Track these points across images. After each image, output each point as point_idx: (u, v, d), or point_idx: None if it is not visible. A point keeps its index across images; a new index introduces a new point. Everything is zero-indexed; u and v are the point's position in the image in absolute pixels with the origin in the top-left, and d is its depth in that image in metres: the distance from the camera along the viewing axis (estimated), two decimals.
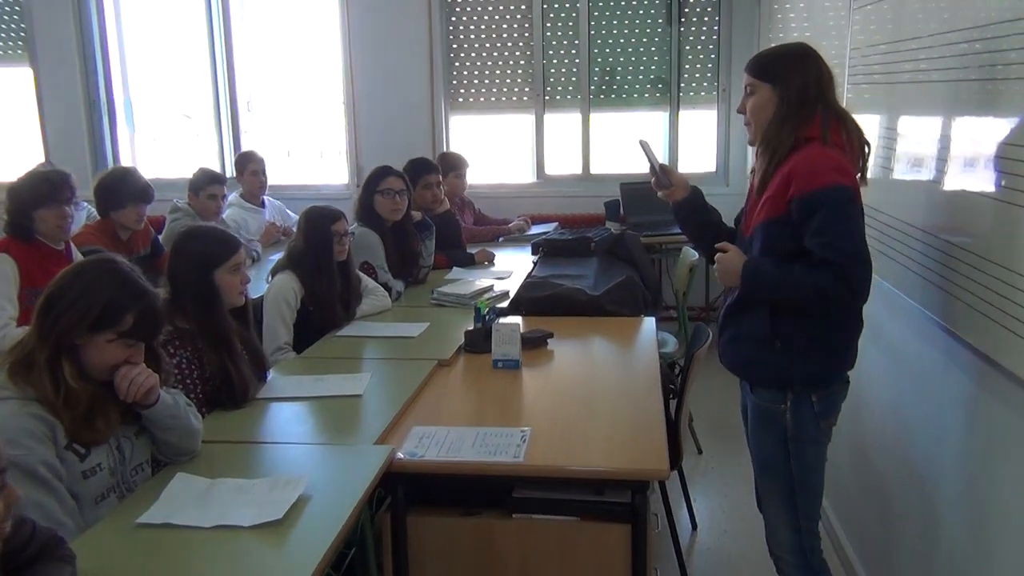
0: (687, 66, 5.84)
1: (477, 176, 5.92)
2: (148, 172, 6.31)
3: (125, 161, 6.40)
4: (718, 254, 2.24)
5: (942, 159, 2.20)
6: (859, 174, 2.08)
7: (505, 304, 3.59)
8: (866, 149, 2.12)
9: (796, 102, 2.08)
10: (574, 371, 2.81)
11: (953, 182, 2.14)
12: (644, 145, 2.51)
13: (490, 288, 3.73)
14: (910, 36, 2.40)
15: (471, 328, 3.01)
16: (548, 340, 3.06)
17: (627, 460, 2.09)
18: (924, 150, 2.32)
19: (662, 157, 6.06)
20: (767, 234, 2.10)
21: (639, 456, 2.10)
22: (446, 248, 4.40)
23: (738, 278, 2.16)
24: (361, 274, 3.52)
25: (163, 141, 6.54)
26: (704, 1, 5.73)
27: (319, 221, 3.23)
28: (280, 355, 3.09)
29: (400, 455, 2.12)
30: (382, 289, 3.55)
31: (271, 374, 2.72)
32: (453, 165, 5.03)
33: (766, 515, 2.33)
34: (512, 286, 3.85)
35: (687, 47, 5.81)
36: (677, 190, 2.50)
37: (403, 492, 2.15)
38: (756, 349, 2.19)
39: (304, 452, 2.15)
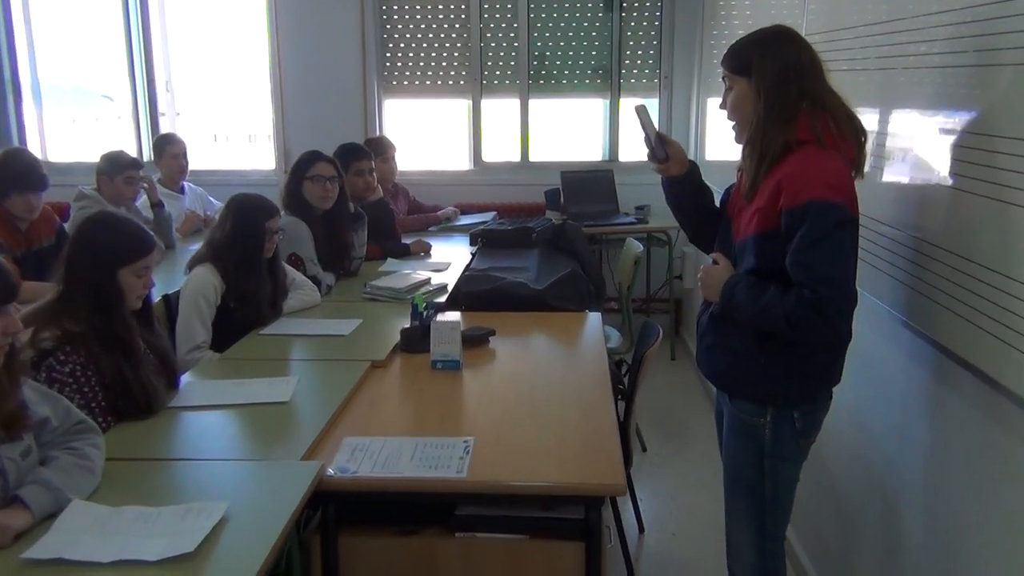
0: (628, 52, 5.70)
1: (411, 163, 5.71)
2: (61, 156, 6.04)
3: (33, 144, 5.97)
4: (706, 265, 2.07)
5: (905, 150, 2.09)
6: (855, 170, 1.91)
7: (443, 299, 3.40)
8: (862, 139, 1.92)
9: (774, 95, 1.88)
10: (519, 371, 2.63)
11: (913, 174, 2.03)
12: (640, 111, 2.24)
13: (427, 281, 3.53)
14: (875, 20, 2.28)
15: (407, 326, 2.80)
16: (490, 338, 2.88)
17: (580, 473, 1.92)
18: (890, 142, 2.20)
19: (603, 144, 5.93)
20: (760, 249, 1.91)
21: (592, 469, 1.93)
22: (380, 238, 4.17)
23: (717, 293, 2.01)
24: (288, 267, 3.27)
25: (80, 123, 6.13)
26: None
27: (251, 215, 2.96)
28: (196, 354, 2.83)
29: (330, 471, 1.91)
30: (310, 283, 3.31)
31: (186, 378, 2.48)
32: (379, 149, 4.78)
33: (730, 534, 2.18)
34: (450, 279, 3.66)
35: (628, 32, 5.67)
36: (673, 164, 2.23)
37: (334, 510, 1.94)
38: (738, 362, 2.02)
39: (220, 470, 1.92)
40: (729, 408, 2.10)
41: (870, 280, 2.22)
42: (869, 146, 1.96)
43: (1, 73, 5.78)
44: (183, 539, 1.58)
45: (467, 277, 3.46)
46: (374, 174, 4.23)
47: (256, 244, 2.95)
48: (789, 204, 1.82)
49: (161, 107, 5.85)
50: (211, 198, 5.06)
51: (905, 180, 2.09)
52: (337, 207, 3.64)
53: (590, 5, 5.63)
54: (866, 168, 1.98)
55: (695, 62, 5.51)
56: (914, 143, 2.04)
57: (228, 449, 2.03)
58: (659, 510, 3.47)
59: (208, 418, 2.21)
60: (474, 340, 2.83)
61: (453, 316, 3.15)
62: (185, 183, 4.92)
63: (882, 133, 2.22)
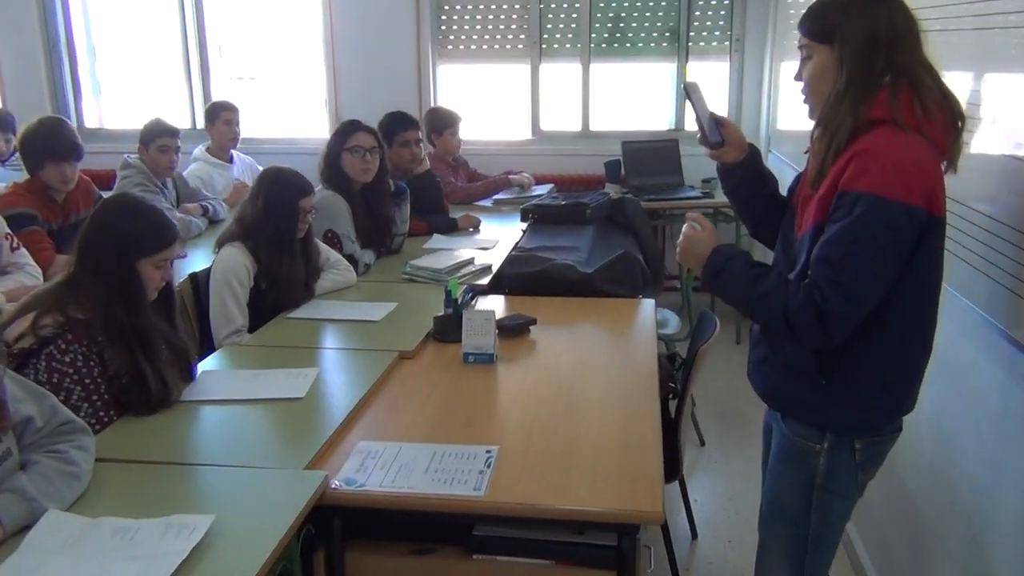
0: (697, 12, 5.34)
1: (467, 132, 5.46)
2: (114, 123, 5.98)
3: (88, 111, 5.94)
4: (686, 227, 1.81)
5: (1006, 124, 1.77)
6: (946, 162, 1.61)
7: (486, 280, 3.18)
8: (958, 124, 1.59)
9: (859, 67, 1.59)
10: (558, 367, 2.40)
11: (1017, 154, 1.71)
12: (691, 89, 1.95)
13: (470, 262, 3.31)
14: None
15: (441, 313, 2.60)
16: (530, 328, 2.66)
17: (612, 496, 1.69)
18: (986, 115, 1.88)
19: (670, 113, 5.60)
20: (814, 243, 1.62)
21: (628, 491, 1.70)
22: (426, 213, 3.97)
23: (699, 267, 1.76)
24: (323, 245, 3.10)
25: (130, 89, 6.06)
26: None
27: (284, 194, 2.78)
28: (235, 339, 2.68)
29: (335, 483, 1.73)
30: (345, 262, 3.13)
31: (204, 366, 2.32)
32: (448, 122, 4.61)
33: (762, 570, 1.93)
34: (497, 259, 3.43)
35: None
36: (730, 150, 1.93)
37: (340, 525, 1.76)
38: (795, 381, 1.74)
39: (216, 477, 1.75)
40: (780, 428, 1.83)
41: (962, 279, 1.92)
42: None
43: (56, 36, 5.73)
44: (159, 563, 1.42)
45: (512, 258, 3.23)
46: (421, 145, 4.01)
47: (288, 225, 2.77)
48: (845, 186, 1.55)
49: (213, 73, 5.73)
50: (260, 167, 4.91)
51: (1007, 162, 1.77)
52: (377, 180, 3.44)
53: None
54: (976, 150, 1.68)
55: (769, 23, 5.12)
56: (1017, 116, 1.72)
57: (228, 453, 1.86)
58: (715, 514, 3.21)
59: (215, 416, 2.05)
60: (513, 330, 2.61)
61: (495, 301, 2.96)
62: (234, 152, 4.79)
63: (974, 104, 1.90)
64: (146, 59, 5.91)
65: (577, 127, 5.55)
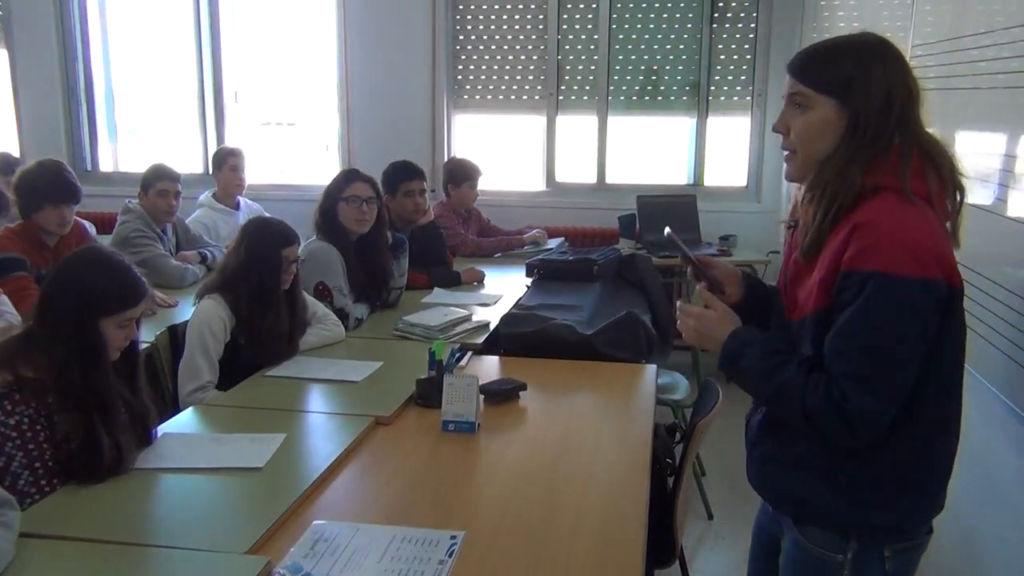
0: (719, 67, 5.23)
1: (481, 182, 5.38)
2: (128, 167, 5.96)
3: (104, 155, 5.93)
4: (697, 309, 1.62)
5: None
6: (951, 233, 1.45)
7: (482, 339, 3.03)
8: (958, 197, 1.45)
9: (872, 127, 1.43)
10: (545, 438, 2.23)
11: None
12: (671, 238, 1.73)
13: (467, 318, 3.16)
14: (1001, 25, 1.80)
15: (425, 376, 2.44)
16: (520, 393, 2.49)
17: None
18: (1008, 177, 1.71)
19: (687, 167, 5.46)
20: (819, 330, 1.45)
21: None
22: (428, 265, 3.84)
23: (715, 348, 1.57)
24: (311, 299, 2.97)
25: (144, 134, 6.06)
26: None
27: (266, 243, 2.67)
28: (200, 395, 2.56)
29: (278, 571, 1.56)
30: (334, 317, 3.00)
31: (164, 429, 2.18)
32: (468, 174, 4.55)
33: None
34: (497, 316, 3.27)
35: (719, 45, 5.20)
36: (731, 289, 1.72)
37: None
38: (807, 481, 1.53)
39: (147, 561, 1.59)
40: (792, 535, 1.61)
41: (983, 359, 1.74)
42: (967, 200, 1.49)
43: (75, 81, 5.75)
44: None
45: (510, 316, 3.08)
46: (425, 195, 3.90)
47: (271, 276, 2.65)
48: (850, 265, 1.38)
49: (228, 119, 5.71)
50: (267, 215, 4.84)
51: None
52: (374, 232, 3.32)
53: (678, 16, 5.18)
54: (971, 214, 1.50)
55: None
56: None
57: (169, 532, 1.70)
58: None
59: (164, 486, 1.89)
60: (500, 395, 2.45)
61: (489, 361, 2.81)
62: (241, 199, 4.72)
63: (998, 164, 1.73)
64: (163, 103, 5.92)
65: (593, 179, 5.43)
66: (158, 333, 2.81)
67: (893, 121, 1.43)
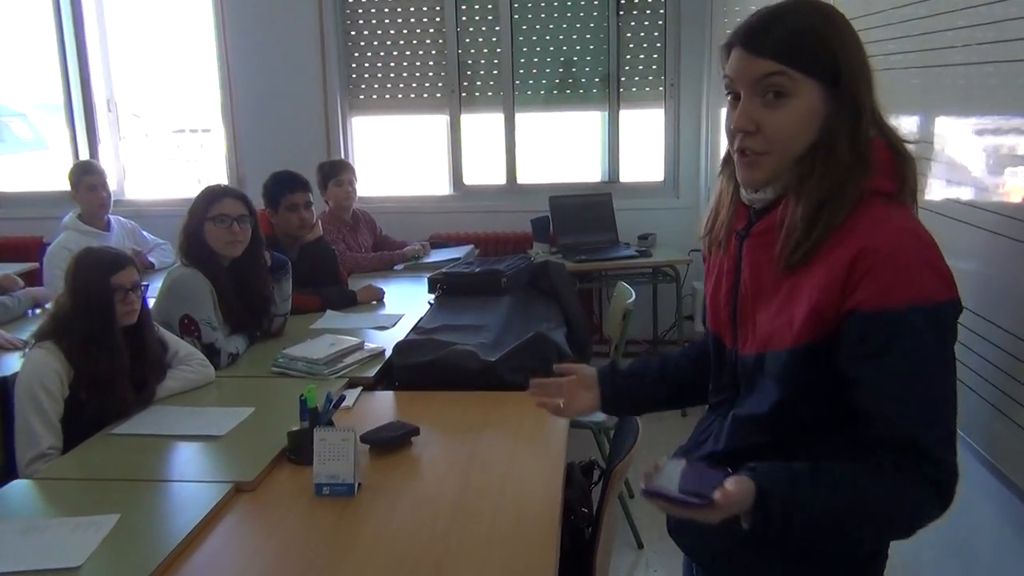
0: (628, 56, 4.96)
1: (383, 188, 5.03)
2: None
3: None
4: (717, 495, 1.10)
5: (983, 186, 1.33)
6: None
7: (373, 373, 2.67)
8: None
9: (868, 114, 1.17)
10: (438, 493, 1.89)
11: (1001, 227, 1.27)
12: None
13: (358, 347, 2.79)
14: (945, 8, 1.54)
15: (297, 427, 2.08)
16: (412, 439, 2.15)
17: None
18: (965, 170, 1.45)
19: (601, 164, 5.18)
20: (799, 371, 1.16)
21: None
22: (319, 284, 3.47)
23: (748, 518, 1.11)
24: (172, 336, 2.57)
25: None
26: None
27: (90, 272, 2.27)
28: (41, 465, 2.14)
29: None
30: (200, 356, 2.60)
31: None
32: (332, 172, 4.11)
33: None
34: (393, 342, 2.92)
35: (628, 34, 4.93)
36: (581, 394, 1.61)
37: None
38: (736, 544, 1.21)
39: None
40: None
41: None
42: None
43: None
44: None
45: (405, 344, 2.72)
46: (311, 208, 3.52)
47: (102, 311, 2.25)
48: (878, 304, 1.08)
49: (101, 128, 5.20)
50: (144, 233, 4.39)
51: (984, 238, 1.34)
52: (249, 254, 2.93)
53: (583, 4, 4.89)
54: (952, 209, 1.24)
55: (704, 67, 4.75)
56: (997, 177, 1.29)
57: None
58: None
59: None
60: (387, 445, 2.11)
61: (382, 398, 2.47)
62: (112, 217, 4.25)
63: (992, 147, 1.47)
64: (35, 116, 5.39)
65: (502, 181, 5.11)
66: None
67: (874, 105, 1.18)
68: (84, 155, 5.15)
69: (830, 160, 1.14)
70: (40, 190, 5.15)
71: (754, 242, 1.23)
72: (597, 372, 1.59)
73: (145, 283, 2.40)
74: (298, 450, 2.04)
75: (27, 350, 2.30)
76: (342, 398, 2.22)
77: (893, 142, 1.17)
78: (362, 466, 1.96)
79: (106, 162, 5.16)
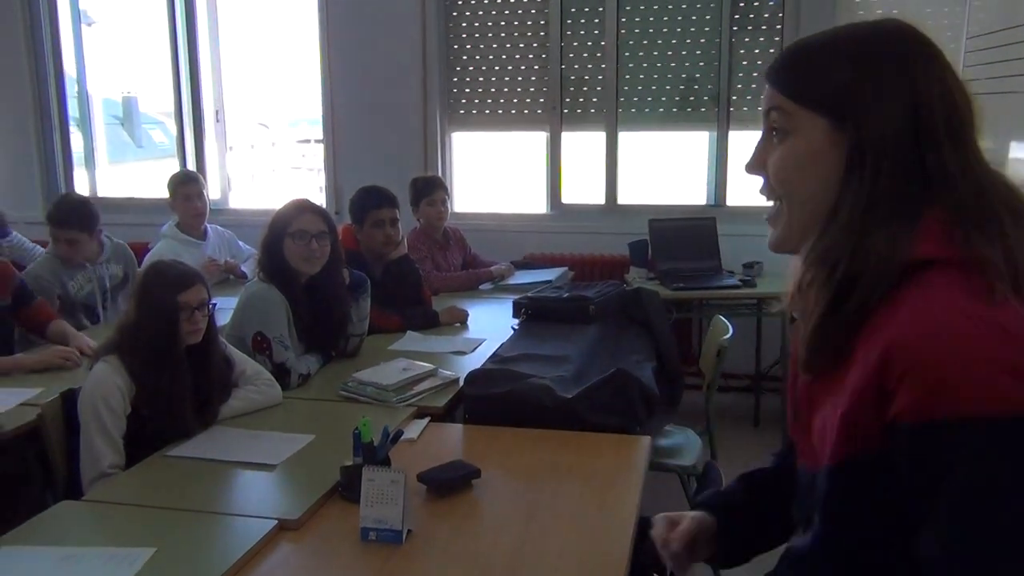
0: (741, 74, 4.69)
1: (479, 204, 4.92)
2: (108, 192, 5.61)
3: (80, 183, 5.57)
4: None
5: None
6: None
7: (444, 403, 2.54)
8: None
9: (891, 162, 0.89)
10: (496, 546, 1.73)
11: None
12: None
13: (430, 374, 2.66)
14: None
15: (350, 462, 1.95)
16: (474, 481, 2.00)
17: None
18: None
19: (707, 186, 4.92)
20: (842, 495, 0.91)
21: None
22: (402, 304, 3.37)
23: None
24: (239, 354, 2.50)
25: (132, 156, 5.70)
26: None
27: (157, 289, 2.22)
28: (104, 483, 2.10)
29: None
30: (267, 375, 2.53)
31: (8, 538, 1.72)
32: (424, 190, 4.01)
33: None
34: (471, 368, 2.77)
35: (742, 50, 4.66)
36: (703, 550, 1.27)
37: None
38: None
39: None
40: None
41: None
42: None
43: (48, 104, 5.38)
44: None
45: (479, 374, 2.57)
46: (398, 225, 3.43)
47: (168, 329, 2.19)
48: (916, 415, 0.81)
49: (209, 139, 5.30)
50: (240, 242, 4.42)
51: None
52: (328, 271, 2.85)
53: (694, 20, 4.66)
54: None
55: None
56: None
57: None
58: None
59: None
60: (445, 486, 1.96)
61: (451, 432, 2.32)
62: (209, 226, 4.30)
63: None
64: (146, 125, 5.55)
65: (601, 201, 4.91)
66: (47, 400, 2.35)
67: (930, 156, 0.90)
68: (192, 164, 5.26)
69: (830, 221, 0.92)
70: (149, 197, 5.29)
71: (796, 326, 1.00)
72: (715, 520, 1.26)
73: (213, 302, 2.34)
74: (351, 487, 1.91)
75: (91, 364, 2.26)
76: (400, 433, 2.09)
77: (990, 191, 0.89)
78: (414, 509, 1.82)
79: (211, 172, 5.27)
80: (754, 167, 1.01)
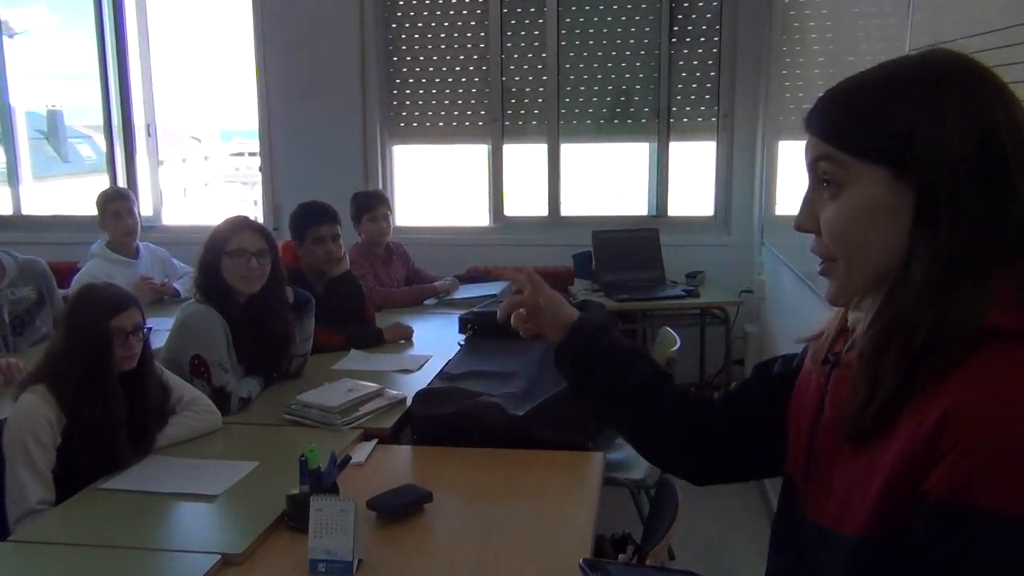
0: (680, 86, 4.73)
1: (421, 218, 4.87)
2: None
3: (3, 200, 5.35)
4: None
5: None
6: None
7: (391, 424, 2.47)
8: None
9: (966, 212, 0.80)
10: (451, 574, 1.68)
11: None
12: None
13: (377, 394, 2.59)
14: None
15: (297, 491, 1.88)
16: (425, 505, 1.94)
17: None
18: None
19: (649, 197, 4.95)
20: (868, 568, 0.83)
21: None
22: (345, 322, 3.29)
23: None
24: (177, 379, 2.40)
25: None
26: (702, 7, 4.64)
27: (88, 313, 2.12)
28: (32, 520, 1.98)
29: None
30: (206, 401, 2.43)
31: None
32: (365, 206, 3.94)
33: None
34: (419, 386, 2.71)
35: (680, 62, 4.71)
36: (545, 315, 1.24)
37: None
38: None
39: None
40: None
41: None
42: None
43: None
44: None
45: (426, 393, 2.52)
46: (339, 241, 3.35)
47: (99, 355, 2.08)
48: (948, 495, 0.74)
49: (140, 153, 5.14)
50: (175, 260, 4.27)
51: None
52: (269, 290, 2.76)
53: (633, 30, 4.69)
54: None
55: (760, 97, 4.51)
56: None
57: None
58: None
59: None
60: (396, 512, 1.90)
61: (399, 453, 2.26)
62: (141, 244, 4.15)
63: None
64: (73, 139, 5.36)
65: (544, 213, 4.90)
66: None
67: (1002, 198, 0.80)
68: (122, 179, 5.09)
69: (901, 281, 0.82)
70: (77, 214, 5.10)
71: (842, 375, 0.91)
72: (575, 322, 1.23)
73: (148, 325, 2.24)
74: (298, 517, 1.84)
75: (18, 394, 2.14)
76: (348, 458, 2.02)
77: None
78: (365, 538, 1.76)
79: (143, 187, 5.11)
80: (805, 224, 0.90)
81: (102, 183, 4.99)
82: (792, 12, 3.88)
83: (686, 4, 4.63)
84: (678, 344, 3.06)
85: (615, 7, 4.66)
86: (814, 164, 0.88)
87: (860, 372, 0.84)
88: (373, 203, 3.96)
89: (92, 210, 4.09)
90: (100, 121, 5.11)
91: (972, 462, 0.73)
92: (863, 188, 0.84)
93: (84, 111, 5.37)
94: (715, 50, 4.66)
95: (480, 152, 4.91)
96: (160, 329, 2.82)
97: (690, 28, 4.67)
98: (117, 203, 3.99)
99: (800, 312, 3.22)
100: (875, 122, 0.84)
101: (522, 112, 4.83)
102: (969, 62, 0.85)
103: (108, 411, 2.09)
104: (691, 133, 4.79)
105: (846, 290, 0.89)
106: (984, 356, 0.77)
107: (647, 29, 4.68)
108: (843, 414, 0.86)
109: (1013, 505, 0.71)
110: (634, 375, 1.17)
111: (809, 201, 0.90)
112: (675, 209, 4.87)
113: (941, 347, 0.78)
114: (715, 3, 4.60)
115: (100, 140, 5.32)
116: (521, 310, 1.29)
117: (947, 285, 0.79)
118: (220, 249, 2.70)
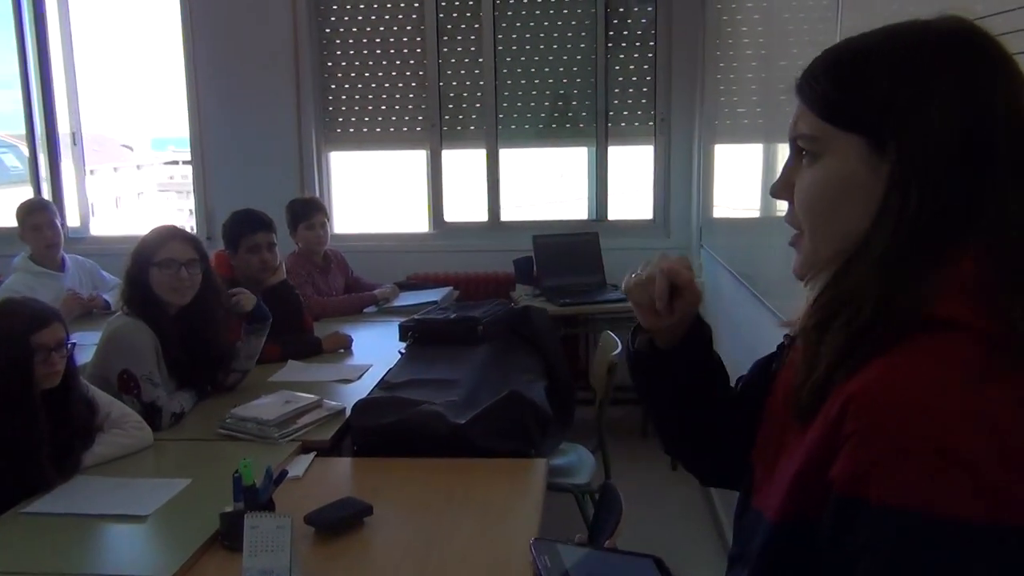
0: (617, 90, 4.76)
1: (358, 225, 4.80)
2: None
3: None
4: None
5: None
6: None
7: (330, 435, 2.42)
8: None
9: (942, 194, 0.76)
10: None
11: None
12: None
13: (316, 406, 2.53)
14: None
15: (231, 508, 1.82)
16: (365, 519, 1.90)
17: None
18: None
19: (588, 201, 4.97)
20: (778, 557, 0.81)
21: None
22: (281, 332, 3.21)
23: None
24: (105, 396, 2.31)
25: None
26: (637, 12, 4.67)
27: (9, 329, 2.02)
28: None
29: None
30: (135, 417, 2.34)
31: None
32: (301, 214, 3.87)
33: None
34: (358, 396, 2.66)
35: (617, 67, 4.73)
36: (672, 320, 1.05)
37: None
38: None
39: None
40: None
41: None
42: None
43: None
44: None
45: (365, 403, 2.47)
46: (275, 250, 3.28)
47: (18, 371, 1.99)
48: (846, 486, 0.72)
49: (65, 163, 4.97)
50: (104, 272, 4.14)
51: None
52: (200, 301, 2.68)
53: (569, 35, 4.70)
54: None
55: (696, 101, 4.56)
56: None
57: None
58: None
59: None
60: (335, 527, 1.85)
61: (339, 466, 2.20)
62: (67, 256, 4.01)
63: None
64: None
65: (484, 218, 4.88)
66: None
67: (980, 183, 0.76)
68: (47, 190, 4.92)
69: (858, 256, 0.79)
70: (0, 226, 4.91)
71: (796, 353, 0.87)
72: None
73: (72, 340, 2.15)
74: (232, 535, 1.78)
75: None
76: (284, 473, 1.97)
77: (1011, 250, 0.75)
78: (303, 555, 1.71)
79: (69, 197, 4.94)
80: (780, 191, 0.87)
81: (27, 193, 4.80)
82: (725, 18, 3.93)
83: (621, 10, 4.66)
84: (619, 347, 3.06)
85: (551, 12, 4.66)
86: (794, 130, 0.85)
87: (802, 347, 0.82)
88: (309, 211, 3.89)
89: (14, 222, 3.94)
90: (23, 130, 4.93)
91: (871, 451, 0.70)
92: (838, 159, 0.81)
93: (7, 119, 5.14)
94: (651, 55, 4.70)
95: (419, 158, 4.86)
96: (87, 344, 2.73)
97: (626, 34, 4.70)
98: (36, 215, 3.85)
99: (739, 313, 3.25)
100: (858, 89, 0.80)
101: (460, 117, 4.80)
102: (978, 33, 0.79)
103: (30, 431, 2.00)
104: (629, 137, 4.82)
105: (811, 263, 0.86)
106: (910, 343, 0.73)
107: (583, 35, 4.69)
108: (789, 392, 0.84)
109: (906, 498, 0.68)
110: (714, 388, 1.09)
111: (788, 169, 0.87)
112: (615, 213, 4.89)
113: (880, 328, 0.75)
114: (649, 9, 4.63)
115: (24, 149, 5.13)
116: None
117: (901, 267, 0.76)
118: (148, 260, 2.61)
